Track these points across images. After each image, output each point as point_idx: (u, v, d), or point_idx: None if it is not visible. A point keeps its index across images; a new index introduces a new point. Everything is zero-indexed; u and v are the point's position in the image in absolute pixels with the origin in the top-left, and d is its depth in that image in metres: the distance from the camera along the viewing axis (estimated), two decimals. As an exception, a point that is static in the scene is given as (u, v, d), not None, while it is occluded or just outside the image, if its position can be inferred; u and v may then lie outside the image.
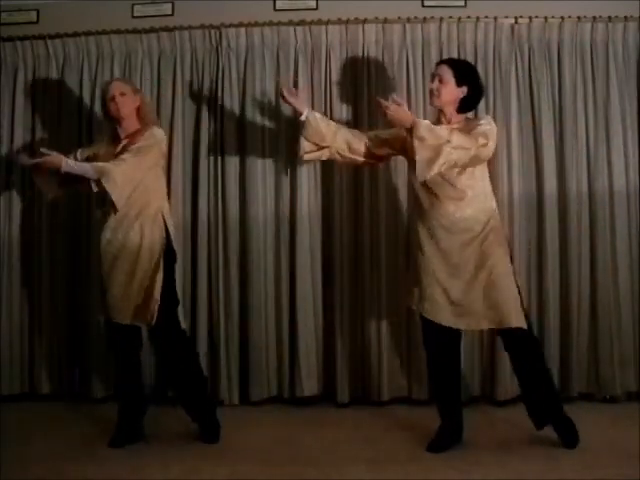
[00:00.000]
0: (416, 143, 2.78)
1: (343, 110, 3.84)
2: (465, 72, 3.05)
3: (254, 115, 3.86)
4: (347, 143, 3.17)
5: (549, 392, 3.03)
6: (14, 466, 2.86)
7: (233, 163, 3.85)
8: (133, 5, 4.04)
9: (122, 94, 3.20)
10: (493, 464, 2.85)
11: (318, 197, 3.86)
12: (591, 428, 3.18)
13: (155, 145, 3.19)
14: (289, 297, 3.83)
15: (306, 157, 3.21)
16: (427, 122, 2.86)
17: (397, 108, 2.86)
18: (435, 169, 2.78)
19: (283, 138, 3.85)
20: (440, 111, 3.07)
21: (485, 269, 2.93)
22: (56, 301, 3.93)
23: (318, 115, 3.19)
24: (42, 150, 3.10)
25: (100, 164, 3.08)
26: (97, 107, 3.88)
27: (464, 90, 3.01)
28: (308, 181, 3.83)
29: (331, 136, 3.14)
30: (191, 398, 3.25)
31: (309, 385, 3.77)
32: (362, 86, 3.83)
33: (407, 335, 3.78)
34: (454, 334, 3.10)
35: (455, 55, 3.79)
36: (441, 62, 3.14)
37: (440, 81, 3.01)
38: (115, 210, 3.10)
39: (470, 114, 3.19)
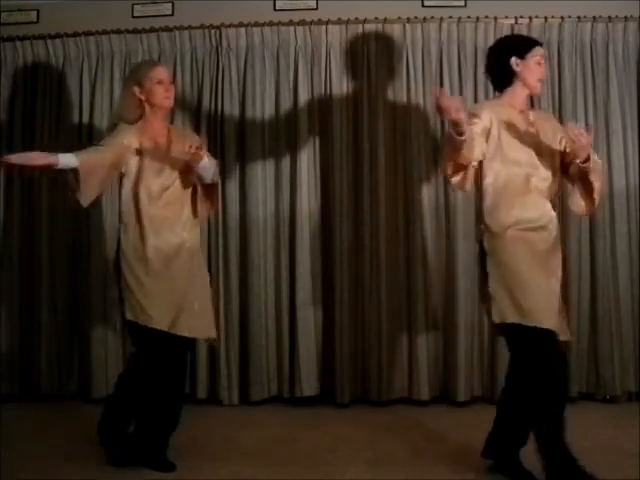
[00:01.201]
0: (594, 176, 2.60)
1: (343, 110, 3.84)
2: None
3: (254, 115, 3.85)
4: (482, 151, 2.64)
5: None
6: (14, 466, 2.86)
7: (233, 163, 3.84)
8: (133, 5, 4.04)
9: (171, 82, 2.94)
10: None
11: (318, 197, 3.86)
12: (591, 428, 3.18)
13: None
14: (289, 297, 3.83)
15: (468, 186, 2.68)
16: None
17: (588, 139, 2.51)
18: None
19: (283, 138, 3.85)
20: (527, 96, 2.77)
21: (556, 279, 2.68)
22: (56, 301, 3.93)
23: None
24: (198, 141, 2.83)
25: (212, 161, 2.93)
26: (97, 107, 3.90)
27: None
28: (308, 181, 3.83)
29: (476, 148, 2.61)
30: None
31: (309, 385, 3.77)
32: (362, 86, 3.83)
33: (407, 335, 3.78)
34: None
35: (455, 55, 3.80)
36: (541, 45, 2.79)
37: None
38: (216, 212, 2.98)
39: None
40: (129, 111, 2.89)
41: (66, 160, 2.61)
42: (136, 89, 2.85)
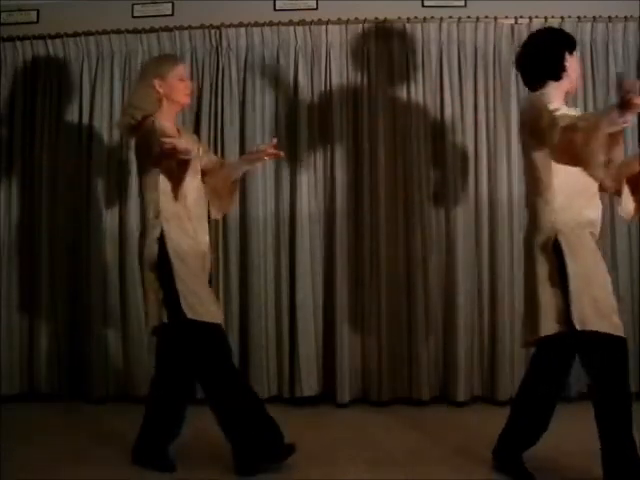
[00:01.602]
0: None
1: (343, 110, 3.84)
2: None
3: (254, 115, 3.85)
4: None
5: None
6: (14, 466, 2.86)
7: (233, 163, 3.84)
8: (133, 5, 4.04)
9: (190, 80, 2.98)
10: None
11: (318, 197, 3.86)
12: (591, 428, 3.17)
13: None
14: (289, 297, 3.83)
15: None
16: None
17: None
18: None
19: (283, 138, 3.84)
20: (561, 94, 2.71)
21: None
22: (56, 301, 3.93)
23: None
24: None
25: None
26: (97, 107, 3.91)
27: None
28: (308, 181, 3.83)
29: None
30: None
31: (309, 385, 3.77)
32: (362, 86, 3.83)
33: (407, 335, 3.78)
34: None
35: (455, 55, 3.80)
36: None
37: None
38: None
39: None
40: (151, 103, 2.81)
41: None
42: (157, 82, 2.81)
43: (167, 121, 2.82)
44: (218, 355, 2.79)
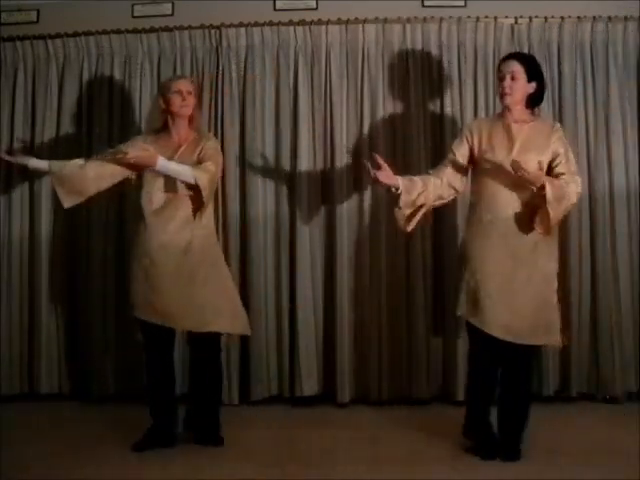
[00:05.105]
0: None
1: (343, 111, 3.84)
2: (535, 67, 3.00)
3: (254, 115, 3.85)
4: (438, 194, 3.05)
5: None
6: (14, 466, 2.86)
7: (233, 163, 3.84)
8: (133, 5, 4.04)
9: (189, 93, 3.13)
10: (493, 464, 2.84)
11: (318, 197, 3.86)
12: (591, 428, 3.18)
13: (220, 159, 3.22)
14: (289, 297, 3.83)
15: (410, 228, 3.08)
16: None
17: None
18: None
19: (283, 138, 3.85)
20: (507, 108, 2.98)
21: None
22: (56, 301, 3.93)
23: (406, 181, 3.00)
24: (143, 145, 3.06)
25: (194, 168, 3.02)
26: (97, 107, 3.91)
27: (533, 86, 2.97)
28: (308, 181, 3.83)
29: (424, 194, 3.00)
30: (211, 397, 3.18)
31: (309, 385, 3.77)
32: (362, 86, 3.83)
33: (407, 335, 3.78)
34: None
35: (455, 55, 3.81)
36: (509, 58, 3.01)
37: (512, 78, 2.93)
38: (201, 214, 3.07)
39: (536, 110, 3.12)
40: (153, 122, 3.26)
41: None
42: (161, 102, 3.16)
43: (186, 134, 3.15)
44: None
